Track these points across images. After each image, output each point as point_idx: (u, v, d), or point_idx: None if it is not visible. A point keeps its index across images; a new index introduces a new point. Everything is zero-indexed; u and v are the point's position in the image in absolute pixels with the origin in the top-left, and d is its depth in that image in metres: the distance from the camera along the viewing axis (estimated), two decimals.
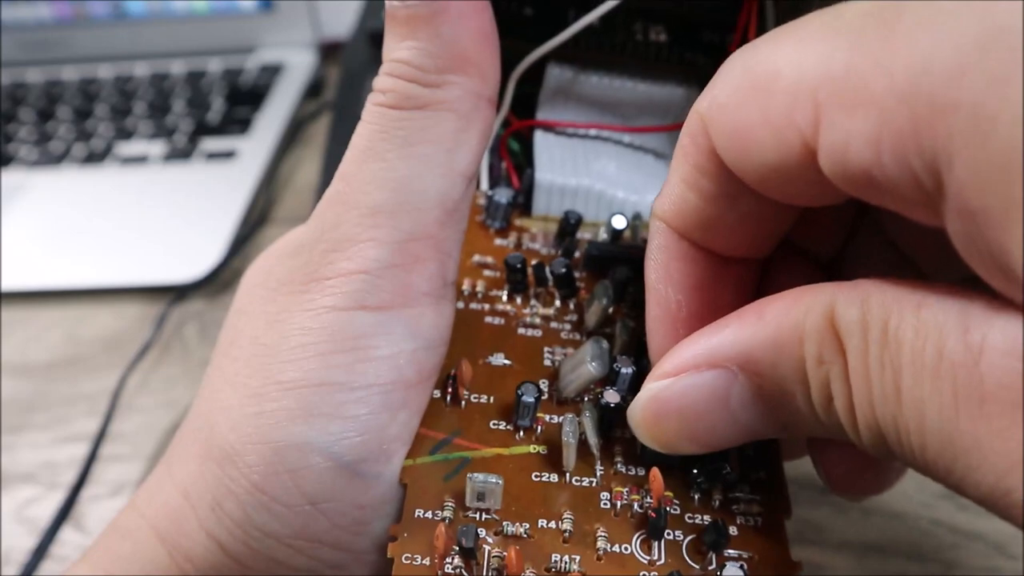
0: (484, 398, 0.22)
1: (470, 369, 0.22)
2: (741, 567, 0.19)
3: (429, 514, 0.20)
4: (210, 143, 0.56)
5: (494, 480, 0.20)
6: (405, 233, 0.20)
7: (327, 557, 0.20)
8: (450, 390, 0.22)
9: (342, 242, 0.20)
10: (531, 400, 0.21)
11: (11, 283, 0.46)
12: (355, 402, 0.19)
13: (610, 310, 0.24)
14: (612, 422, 0.22)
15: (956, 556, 0.32)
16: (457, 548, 0.19)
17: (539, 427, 0.22)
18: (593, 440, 0.21)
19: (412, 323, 0.20)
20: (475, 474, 0.20)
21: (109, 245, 0.48)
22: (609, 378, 0.22)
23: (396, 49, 0.20)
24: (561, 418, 0.22)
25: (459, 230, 0.21)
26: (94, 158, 0.55)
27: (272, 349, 0.20)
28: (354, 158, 0.20)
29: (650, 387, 0.18)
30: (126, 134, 0.57)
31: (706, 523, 0.20)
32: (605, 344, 0.22)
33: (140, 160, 0.55)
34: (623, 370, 0.22)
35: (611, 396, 0.21)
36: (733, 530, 0.20)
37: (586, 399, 0.22)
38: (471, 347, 0.23)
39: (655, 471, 0.20)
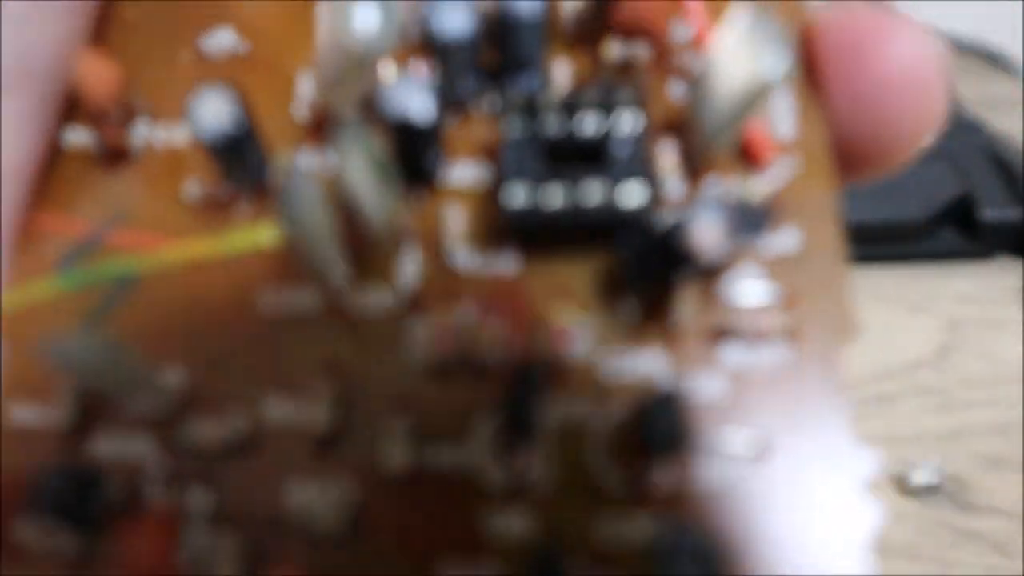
0: (181, 133, 0.11)
1: (103, 68, 0.11)
2: (672, 526, 0.09)
3: (42, 415, 0.10)
4: None
5: (110, 355, 0.09)
6: None
7: None
8: (95, 131, 0.11)
9: None
10: (214, 134, 0.10)
11: None
12: None
13: None
14: (424, 161, 0.10)
15: (956, 556, 0.32)
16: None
17: (280, 185, 0.10)
18: (376, 205, 0.10)
19: None
20: (58, 342, 0.09)
21: None
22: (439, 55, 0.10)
23: None
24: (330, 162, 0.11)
25: None
26: None
27: None
28: None
29: None
30: None
31: (648, 375, 0.10)
32: None
33: None
34: (444, 28, 0.10)
35: (407, 96, 0.09)
36: (719, 385, 0.10)
37: (350, 122, 0.10)
38: (170, 30, 0.12)
39: (512, 285, 0.10)
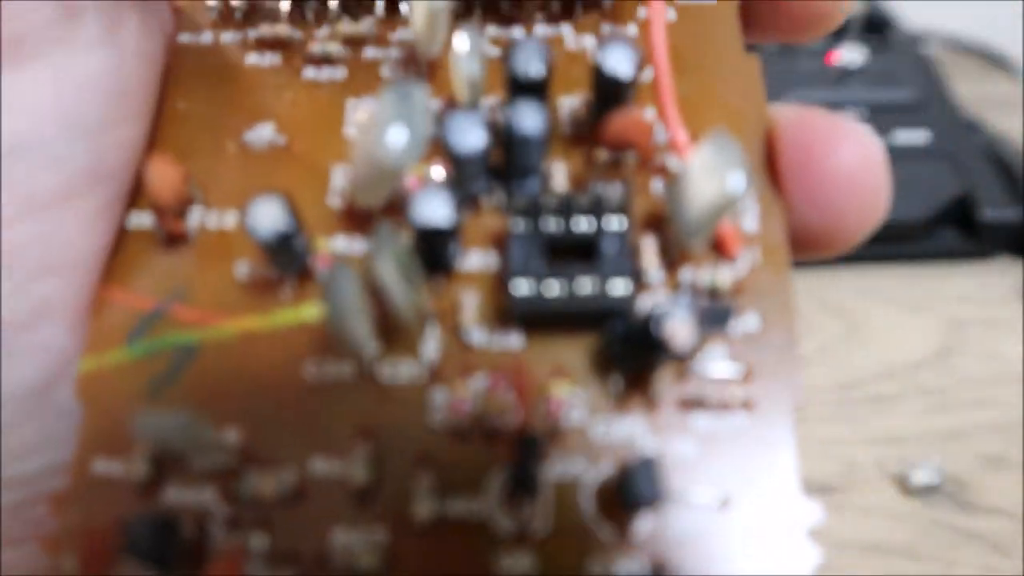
0: (232, 217, 0.13)
1: (170, 171, 0.12)
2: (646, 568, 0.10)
3: (119, 467, 0.12)
4: None
5: (188, 425, 0.11)
6: None
7: None
8: (161, 225, 0.13)
9: None
10: (270, 236, 0.11)
11: None
12: None
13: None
14: (443, 256, 0.12)
15: (956, 556, 0.32)
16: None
17: (320, 269, 0.12)
18: (402, 300, 0.11)
19: None
20: (143, 415, 0.11)
21: None
22: (462, 170, 0.12)
23: None
24: (363, 247, 0.12)
25: None
26: None
27: None
28: None
29: None
30: None
31: (631, 439, 0.11)
32: (421, 96, 0.11)
33: None
34: (460, 144, 0.12)
35: (430, 209, 0.11)
36: (688, 447, 0.11)
37: (381, 224, 0.11)
38: (217, 120, 0.14)
39: (516, 365, 0.12)
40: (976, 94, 0.51)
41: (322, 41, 0.14)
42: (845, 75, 0.49)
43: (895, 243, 0.44)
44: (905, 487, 0.34)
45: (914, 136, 0.46)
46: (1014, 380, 0.38)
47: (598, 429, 0.12)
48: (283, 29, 0.14)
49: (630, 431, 0.12)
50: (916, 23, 0.54)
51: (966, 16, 0.56)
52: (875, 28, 0.52)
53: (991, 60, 0.56)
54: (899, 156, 0.45)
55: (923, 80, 0.49)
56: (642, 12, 0.14)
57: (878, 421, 0.37)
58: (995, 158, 0.45)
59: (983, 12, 0.56)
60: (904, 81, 0.49)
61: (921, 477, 0.34)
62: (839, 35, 0.52)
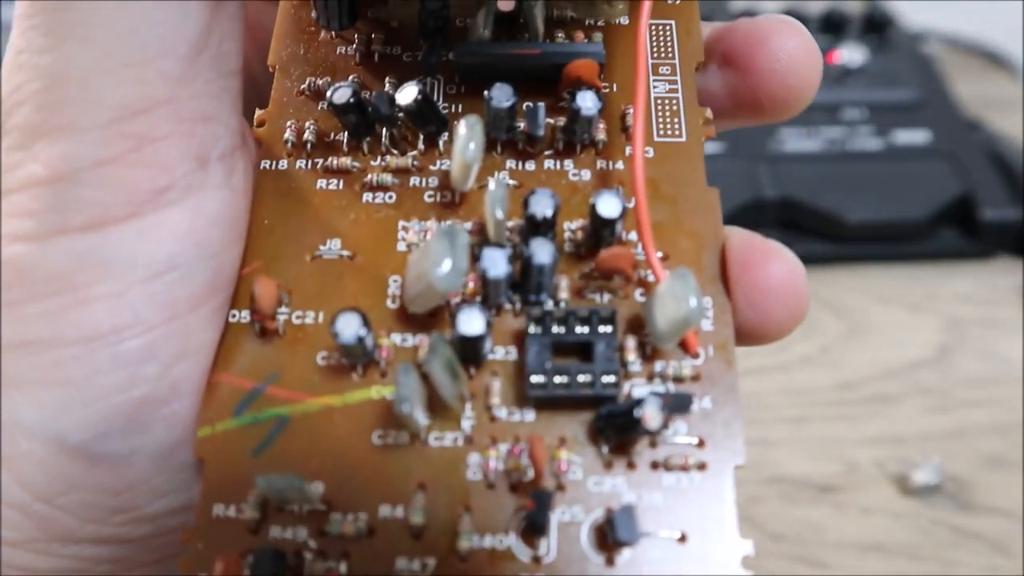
0: (311, 316, 0.16)
1: (272, 288, 0.16)
2: None
3: (232, 511, 0.15)
4: None
5: (296, 485, 0.14)
6: (115, 108, 0.14)
7: (92, 554, 0.16)
8: (256, 320, 0.16)
9: (24, 133, 0.14)
10: (351, 340, 0.15)
11: None
12: (71, 361, 0.14)
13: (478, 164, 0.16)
14: (477, 353, 0.15)
15: (956, 556, 0.32)
16: None
17: (383, 359, 0.15)
18: (449, 392, 0.15)
19: (146, 238, 0.15)
20: (263, 477, 0.14)
21: None
22: (485, 287, 0.16)
23: None
24: (414, 341, 0.16)
25: (217, 78, 0.15)
26: None
27: None
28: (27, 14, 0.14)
29: None
30: None
31: (616, 491, 0.15)
32: (463, 238, 0.15)
33: None
34: (491, 272, 0.15)
35: (469, 324, 0.15)
36: (658, 497, 0.15)
37: (433, 335, 0.15)
38: (296, 235, 0.16)
39: (533, 438, 0.15)
40: (976, 94, 0.51)
41: (375, 172, 0.17)
42: (845, 75, 0.49)
43: (895, 243, 0.44)
44: (905, 487, 0.34)
45: (914, 136, 0.46)
46: (1014, 380, 0.38)
47: (592, 484, 0.15)
48: (344, 161, 0.17)
49: (615, 486, 0.15)
50: (916, 23, 0.54)
51: (966, 16, 0.56)
52: (875, 28, 0.52)
53: (991, 60, 0.56)
54: (899, 156, 0.45)
55: (923, 80, 0.49)
56: (628, 150, 0.17)
57: (878, 421, 0.37)
58: (995, 158, 0.45)
59: (983, 12, 0.56)
60: (904, 81, 0.49)
61: (921, 477, 0.34)
62: (839, 35, 0.52)
